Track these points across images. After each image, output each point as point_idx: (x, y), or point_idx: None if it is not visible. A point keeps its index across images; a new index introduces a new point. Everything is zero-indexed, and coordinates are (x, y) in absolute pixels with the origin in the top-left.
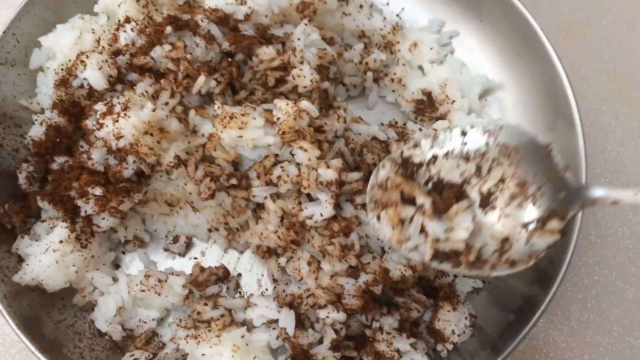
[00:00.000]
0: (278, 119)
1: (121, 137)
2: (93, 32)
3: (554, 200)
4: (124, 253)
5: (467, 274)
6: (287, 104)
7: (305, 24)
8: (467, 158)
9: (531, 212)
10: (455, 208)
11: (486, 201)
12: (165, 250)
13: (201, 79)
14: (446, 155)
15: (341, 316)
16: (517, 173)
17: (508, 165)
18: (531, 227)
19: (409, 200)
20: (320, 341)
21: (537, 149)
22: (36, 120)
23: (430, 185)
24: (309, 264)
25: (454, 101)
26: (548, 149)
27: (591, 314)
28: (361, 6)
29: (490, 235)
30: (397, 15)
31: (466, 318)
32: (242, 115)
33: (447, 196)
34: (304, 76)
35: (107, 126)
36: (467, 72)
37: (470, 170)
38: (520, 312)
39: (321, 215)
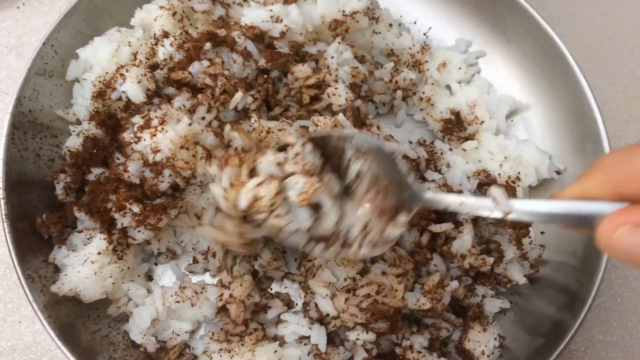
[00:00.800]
0: None
1: (158, 150)
2: (129, 45)
3: (401, 197)
4: (156, 264)
5: (338, 255)
6: (325, 118)
7: (339, 42)
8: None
9: (384, 201)
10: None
11: (348, 191)
12: (190, 272)
13: (238, 94)
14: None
15: (370, 337)
16: (371, 170)
17: (363, 163)
18: (384, 217)
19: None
20: (351, 359)
21: (385, 155)
22: (73, 131)
23: None
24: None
25: (482, 122)
26: (393, 156)
27: (614, 336)
28: (390, 25)
29: (352, 221)
30: (425, 34)
31: (495, 339)
32: (279, 130)
33: None
34: (339, 95)
35: (144, 140)
36: (494, 92)
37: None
38: (548, 336)
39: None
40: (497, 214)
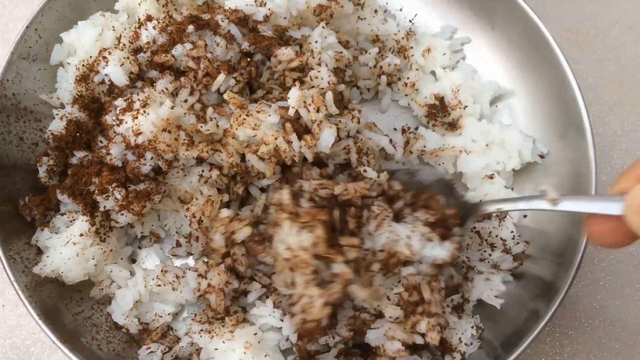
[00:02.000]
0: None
1: (140, 133)
2: (114, 30)
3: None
4: (140, 248)
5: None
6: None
7: (323, 27)
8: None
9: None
10: None
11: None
12: (173, 255)
13: (221, 77)
14: None
15: (345, 333)
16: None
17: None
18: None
19: None
20: (328, 349)
21: (444, 183)
22: (57, 114)
23: None
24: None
25: (466, 106)
26: (452, 184)
27: (597, 319)
28: (376, 11)
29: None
30: (410, 21)
31: (472, 328)
32: (258, 112)
33: None
34: (322, 77)
35: (126, 122)
36: (479, 78)
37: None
38: (524, 324)
39: None
40: (546, 207)
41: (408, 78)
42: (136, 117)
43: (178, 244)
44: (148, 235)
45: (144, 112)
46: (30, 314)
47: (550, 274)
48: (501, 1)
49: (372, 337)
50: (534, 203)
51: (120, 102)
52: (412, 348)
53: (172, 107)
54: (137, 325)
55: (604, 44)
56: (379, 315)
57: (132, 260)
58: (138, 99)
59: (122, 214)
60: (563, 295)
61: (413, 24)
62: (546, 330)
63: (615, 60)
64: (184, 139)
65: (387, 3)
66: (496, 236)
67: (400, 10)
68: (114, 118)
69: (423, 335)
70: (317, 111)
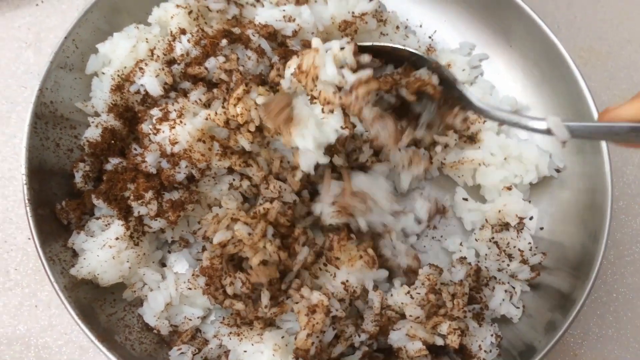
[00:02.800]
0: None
1: (176, 142)
2: (147, 42)
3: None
4: (169, 252)
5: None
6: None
7: (347, 42)
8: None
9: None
10: None
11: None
12: (198, 260)
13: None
14: None
15: (365, 337)
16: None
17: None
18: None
19: None
20: (352, 350)
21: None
22: (92, 122)
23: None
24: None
25: (485, 121)
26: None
27: (610, 329)
28: (397, 27)
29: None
30: (430, 37)
31: (492, 335)
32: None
33: None
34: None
35: (163, 132)
36: (497, 93)
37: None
38: (542, 334)
39: None
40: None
41: None
42: (173, 127)
43: (204, 249)
44: (177, 240)
45: (180, 122)
46: (69, 313)
47: (567, 285)
48: (518, 19)
49: (395, 337)
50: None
51: (156, 112)
52: (434, 353)
53: (207, 118)
54: (168, 327)
55: (616, 62)
56: (403, 315)
57: (162, 264)
58: (174, 110)
59: (156, 220)
60: (579, 307)
61: (432, 40)
62: (560, 341)
63: (627, 78)
64: (218, 150)
65: (407, 20)
66: (514, 247)
67: (420, 26)
68: (150, 127)
69: (444, 337)
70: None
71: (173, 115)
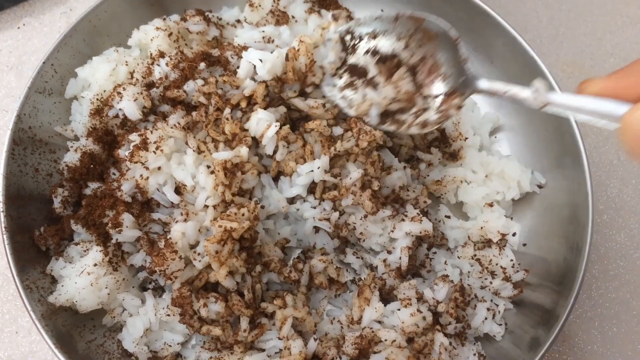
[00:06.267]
0: None
1: (146, 192)
2: (126, 65)
3: (456, 82)
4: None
5: (385, 128)
6: None
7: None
8: (398, 37)
9: (440, 87)
10: (397, 74)
11: (413, 71)
12: None
13: (227, 111)
14: (383, 33)
15: (351, 352)
16: (435, 54)
17: (429, 47)
18: (440, 98)
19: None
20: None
21: (449, 39)
22: (71, 147)
23: (370, 55)
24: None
25: (466, 138)
26: (457, 41)
27: (595, 345)
28: None
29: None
30: None
31: (475, 355)
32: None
33: (389, 66)
34: None
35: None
36: (478, 110)
37: (400, 47)
38: (526, 351)
39: None
40: (536, 104)
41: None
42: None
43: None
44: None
45: (158, 148)
46: (46, 342)
47: (550, 301)
48: (499, 36)
49: None
50: (524, 94)
51: (134, 137)
52: None
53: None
54: (147, 353)
55: (599, 75)
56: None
57: (144, 288)
58: (153, 138)
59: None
60: (562, 322)
61: None
62: (546, 357)
63: None
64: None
65: None
66: (496, 264)
67: None
68: (126, 153)
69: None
70: None
71: (152, 141)
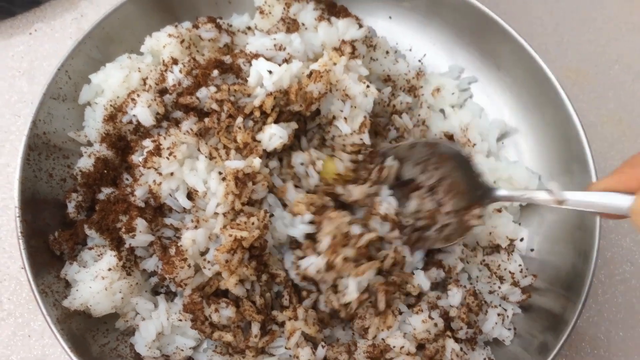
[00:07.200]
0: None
1: (159, 197)
2: (139, 71)
3: (474, 196)
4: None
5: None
6: None
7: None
8: (415, 163)
9: (459, 203)
10: (416, 194)
11: (432, 192)
12: None
13: (239, 119)
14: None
15: None
16: (452, 174)
17: (445, 168)
18: (461, 212)
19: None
20: None
21: (463, 159)
22: (85, 152)
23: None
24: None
25: (475, 144)
26: (469, 159)
27: (601, 349)
28: (387, 52)
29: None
30: (419, 61)
31: (484, 359)
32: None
33: (408, 189)
34: None
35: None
36: (486, 116)
37: (418, 171)
38: (535, 356)
39: None
40: (553, 203)
41: (419, 115)
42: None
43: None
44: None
45: (171, 154)
46: (61, 346)
47: (558, 307)
48: (506, 43)
49: None
50: (541, 196)
51: (147, 143)
52: None
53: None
54: (159, 357)
55: (603, 82)
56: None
57: (156, 292)
58: (166, 144)
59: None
60: (571, 328)
61: (422, 63)
62: None
63: (614, 98)
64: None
65: (397, 44)
66: (505, 269)
67: (410, 50)
68: (140, 158)
69: None
70: None
71: (166, 147)
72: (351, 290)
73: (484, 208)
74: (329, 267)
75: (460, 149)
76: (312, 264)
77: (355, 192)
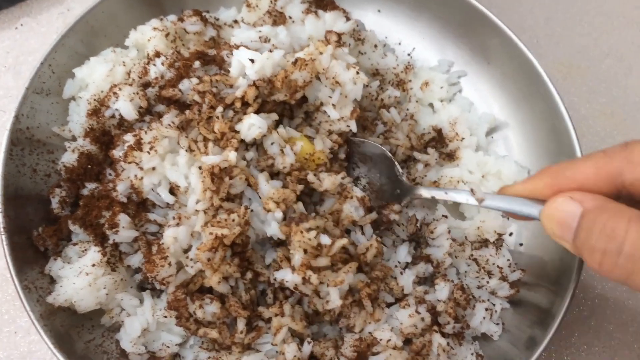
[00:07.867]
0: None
1: (141, 192)
2: (124, 65)
3: (393, 194)
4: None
5: None
6: None
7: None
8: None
9: (377, 201)
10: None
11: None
12: None
13: (219, 109)
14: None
15: (349, 354)
16: (369, 174)
17: (369, 166)
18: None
19: None
20: None
21: (386, 158)
22: (69, 147)
23: None
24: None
25: (463, 138)
26: (392, 160)
27: (591, 344)
28: (376, 46)
29: None
30: (409, 55)
31: (473, 354)
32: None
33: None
34: None
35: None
36: (475, 110)
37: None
38: (523, 351)
39: None
40: (473, 203)
41: (407, 109)
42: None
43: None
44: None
45: (152, 149)
46: (45, 342)
47: (546, 301)
48: (496, 36)
49: None
50: (463, 196)
51: (129, 137)
52: None
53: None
54: (145, 354)
55: (595, 76)
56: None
57: (142, 288)
58: (147, 138)
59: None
60: (559, 322)
61: (411, 57)
62: (543, 356)
63: (606, 92)
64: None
65: (386, 38)
66: (493, 264)
67: (399, 44)
68: (120, 154)
69: None
70: None
71: (146, 141)
72: (334, 298)
73: (402, 205)
74: (305, 281)
75: (385, 150)
76: (288, 281)
77: (327, 182)
